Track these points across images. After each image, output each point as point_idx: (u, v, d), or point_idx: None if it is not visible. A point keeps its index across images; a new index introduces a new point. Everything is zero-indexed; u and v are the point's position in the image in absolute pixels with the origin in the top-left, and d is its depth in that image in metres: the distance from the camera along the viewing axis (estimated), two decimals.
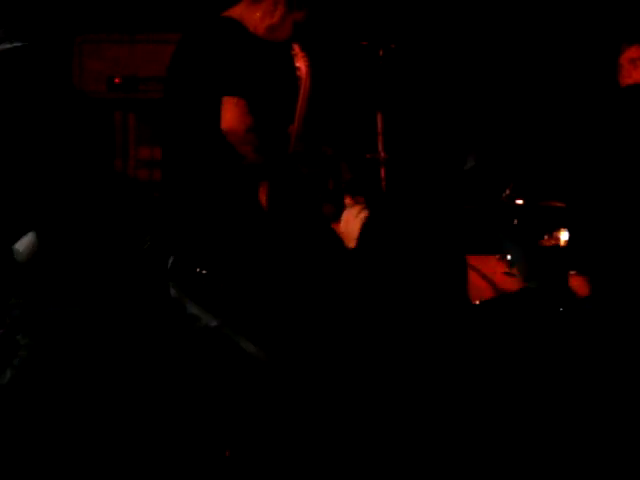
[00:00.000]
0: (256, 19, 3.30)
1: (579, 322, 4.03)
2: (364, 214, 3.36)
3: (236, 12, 3.33)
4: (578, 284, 4.41)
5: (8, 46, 3.43)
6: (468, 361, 3.44)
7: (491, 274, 4.80)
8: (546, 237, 4.63)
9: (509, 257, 4.73)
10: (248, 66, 3.19)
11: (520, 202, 4.81)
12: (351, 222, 3.34)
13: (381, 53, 4.70)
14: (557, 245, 4.53)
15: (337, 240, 3.39)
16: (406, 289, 3.44)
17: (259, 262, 3.25)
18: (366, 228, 3.33)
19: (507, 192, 4.86)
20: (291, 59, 3.43)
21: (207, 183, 3.26)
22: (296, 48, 3.45)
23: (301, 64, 3.47)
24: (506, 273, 4.72)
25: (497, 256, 4.77)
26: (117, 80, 5.45)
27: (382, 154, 4.77)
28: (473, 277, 4.74)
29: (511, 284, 4.72)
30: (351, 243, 3.36)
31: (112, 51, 5.45)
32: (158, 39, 5.19)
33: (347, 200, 3.43)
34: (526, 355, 3.79)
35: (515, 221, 4.80)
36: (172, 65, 3.37)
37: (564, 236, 4.47)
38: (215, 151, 3.20)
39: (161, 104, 3.42)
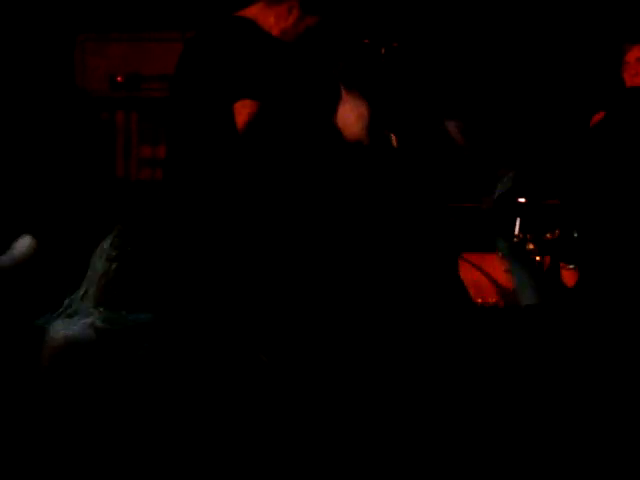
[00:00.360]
0: (270, 22, 3.32)
1: (567, 311, 4.08)
2: (361, 107, 3.31)
3: (251, 13, 3.34)
4: (571, 278, 4.47)
5: None
6: (467, 357, 3.46)
7: (492, 272, 4.84)
8: (548, 235, 4.71)
9: (510, 254, 4.80)
10: (263, 66, 3.21)
11: (522, 200, 4.92)
12: (347, 116, 3.30)
13: (383, 51, 4.73)
14: (553, 240, 4.60)
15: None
16: (405, 287, 3.45)
17: (263, 260, 3.27)
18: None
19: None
20: (303, 60, 3.46)
21: (213, 182, 3.28)
22: None
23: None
24: (507, 271, 4.76)
25: (499, 254, 4.83)
26: (119, 78, 5.53)
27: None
28: (475, 275, 4.79)
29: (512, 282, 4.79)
30: (349, 136, 3.31)
31: (114, 49, 5.53)
32: (161, 37, 5.24)
33: (343, 91, 3.42)
34: (522, 351, 3.82)
35: (517, 219, 4.90)
36: (181, 63, 3.37)
37: (560, 232, 4.54)
38: (223, 150, 3.22)
39: (166, 102, 3.44)
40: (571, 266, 4.76)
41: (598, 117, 4.25)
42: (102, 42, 5.51)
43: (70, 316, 3.22)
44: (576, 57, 5.39)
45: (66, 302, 3.23)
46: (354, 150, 3.29)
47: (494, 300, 4.82)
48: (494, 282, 4.93)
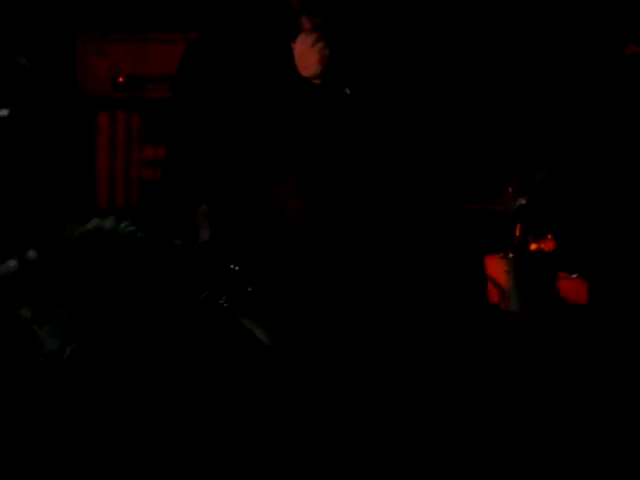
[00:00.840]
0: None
1: (578, 329, 4.05)
2: (321, 44, 3.33)
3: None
4: (574, 289, 4.44)
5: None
6: (469, 362, 3.44)
7: (494, 273, 4.83)
8: (549, 237, 4.69)
9: (511, 256, 4.78)
10: (265, 67, 3.27)
11: (523, 201, 4.89)
12: (306, 52, 3.35)
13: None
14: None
15: None
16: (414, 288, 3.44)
17: (262, 254, 3.29)
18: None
19: (510, 191, 4.93)
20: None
21: (213, 182, 3.31)
22: None
23: None
24: (508, 272, 4.70)
25: (499, 255, 4.82)
26: (121, 79, 5.51)
27: None
28: None
29: None
30: (306, 72, 3.35)
31: (116, 50, 5.51)
32: (162, 38, 5.23)
33: (304, 22, 3.41)
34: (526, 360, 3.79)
35: (518, 221, 4.88)
36: (183, 64, 3.43)
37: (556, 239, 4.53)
38: (224, 150, 3.26)
39: (168, 103, 3.48)
40: (573, 276, 4.75)
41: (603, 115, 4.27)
42: (104, 42, 5.49)
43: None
44: (576, 59, 5.38)
45: None
46: (304, 86, 3.33)
47: (495, 301, 4.81)
48: (495, 283, 4.92)
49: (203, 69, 3.39)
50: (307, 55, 3.33)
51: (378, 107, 3.48)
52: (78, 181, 5.11)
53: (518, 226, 4.91)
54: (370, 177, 3.49)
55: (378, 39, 3.59)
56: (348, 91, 3.40)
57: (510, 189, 4.93)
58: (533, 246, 4.84)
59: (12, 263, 3.13)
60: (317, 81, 3.35)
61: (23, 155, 3.78)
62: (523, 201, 4.91)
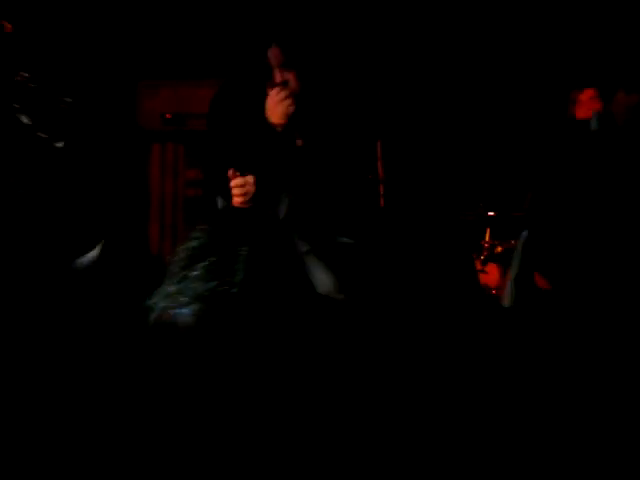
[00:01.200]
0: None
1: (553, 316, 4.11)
2: (289, 101, 3.42)
3: None
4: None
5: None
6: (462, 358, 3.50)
7: None
8: (512, 242, 5.20)
9: (482, 257, 5.36)
10: (255, 108, 3.56)
11: (492, 213, 5.55)
12: (276, 104, 3.43)
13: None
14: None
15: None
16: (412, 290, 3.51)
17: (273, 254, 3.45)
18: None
19: (481, 205, 5.61)
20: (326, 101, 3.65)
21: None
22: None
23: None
24: (480, 270, 5.32)
25: (473, 255, 5.39)
26: (168, 116, 6.13)
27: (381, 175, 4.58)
28: None
29: (486, 279, 5.35)
30: (272, 120, 3.43)
31: (165, 92, 6.13)
32: (201, 84, 5.73)
33: (277, 76, 3.46)
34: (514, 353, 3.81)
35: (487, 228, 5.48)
36: (213, 103, 3.72)
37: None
38: (245, 169, 3.55)
39: (204, 135, 3.79)
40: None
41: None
42: (156, 87, 6.12)
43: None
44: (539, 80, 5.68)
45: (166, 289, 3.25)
46: (265, 132, 3.48)
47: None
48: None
49: (224, 108, 3.64)
50: (276, 107, 3.46)
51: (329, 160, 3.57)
52: (136, 197, 5.87)
53: (487, 232, 5.57)
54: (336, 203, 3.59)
55: (343, 97, 3.67)
56: (300, 142, 3.53)
57: (481, 204, 5.60)
58: (499, 249, 5.45)
59: (93, 254, 3.66)
60: (279, 129, 3.48)
61: (93, 178, 3.93)
62: (492, 213, 5.57)
